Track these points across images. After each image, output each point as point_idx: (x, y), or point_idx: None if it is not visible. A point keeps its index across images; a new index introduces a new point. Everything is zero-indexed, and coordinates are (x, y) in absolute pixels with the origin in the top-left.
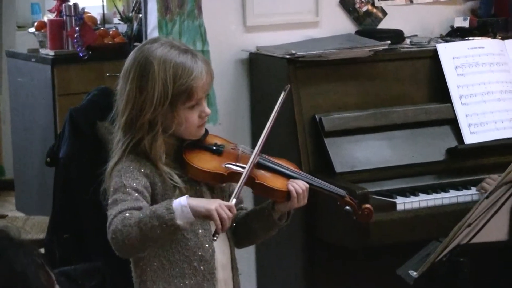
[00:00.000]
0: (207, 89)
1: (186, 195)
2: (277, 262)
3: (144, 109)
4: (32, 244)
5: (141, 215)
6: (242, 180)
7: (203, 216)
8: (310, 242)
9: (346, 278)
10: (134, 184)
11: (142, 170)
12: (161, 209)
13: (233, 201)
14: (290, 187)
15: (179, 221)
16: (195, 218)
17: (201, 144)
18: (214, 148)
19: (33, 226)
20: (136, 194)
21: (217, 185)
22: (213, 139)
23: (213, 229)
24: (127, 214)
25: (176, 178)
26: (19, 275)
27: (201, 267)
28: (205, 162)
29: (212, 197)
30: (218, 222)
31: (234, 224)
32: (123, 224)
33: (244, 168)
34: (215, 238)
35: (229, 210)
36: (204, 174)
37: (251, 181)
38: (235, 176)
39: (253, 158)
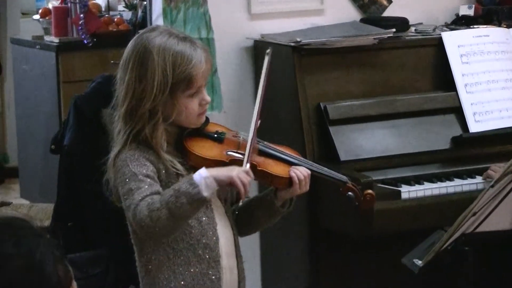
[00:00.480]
0: (206, 77)
1: (203, 167)
2: (280, 250)
3: (144, 98)
4: (53, 239)
5: (166, 196)
6: (251, 143)
7: (226, 184)
8: (313, 230)
9: (349, 266)
10: (144, 171)
11: (147, 157)
12: (184, 186)
13: (247, 165)
14: (292, 174)
15: (205, 193)
16: (218, 187)
17: (202, 132)
18: (215, 135)
19: (37, 214)
20: (149, 180)
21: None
22: (214, 127)
23: (216, 216)
24: (149, 200)
25: (179, 166)
26: (37, 263)
27: (206, 255)
28: (206, 150)
29: None
30: (241, 187)
31: (237, 212)
32: (150, 210)
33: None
34: (240, 203)
35: (247, 174)
36: (205, 161)
37: (253, 168)
38: (236, 163)
39: (254, 125)
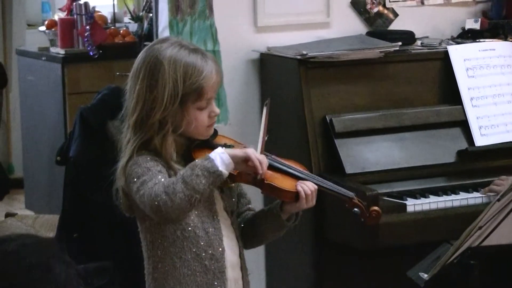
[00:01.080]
0: (216, 89)
1: (219, 147)
2: (286, 263)
3: (154, 109)
4: (76, 266)
5: (181, 172)
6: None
7: (241, 160)
8: (318, 243)
9: (355, 279)
10: (158, 168)
11: (159, 161)
12: (200, 161)
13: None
14: (299, 188)
15: (221, 168)
16: (234, 164)
17: (210, 144)
18: (223, 148)
19: (42, 225)
20: (163, 175)
21: (226, 185)
22: (222, 139)
23: (222, 227)
24: (164, 180)
25: None
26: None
27: (212, 266)
28: None
29: (221, 197)
30: (257, 161)
31: (242, 225)
32: (166, 186)
33: None
34: (258, 177)
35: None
36: None
37: (260, 181)
38: (244, 175)
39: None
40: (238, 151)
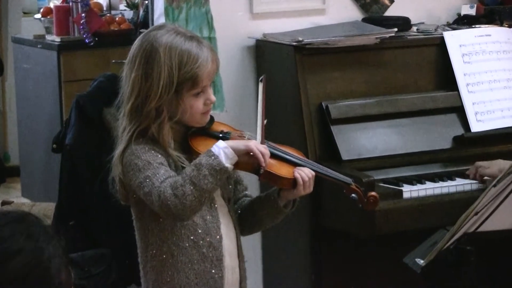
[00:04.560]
0: (212, 77)
1: (220, 140)
2: (283, 250)
3: (150, 96)
4: (63, 242)
5: (187, 172)
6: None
7: (244, 153)
8: (315, 229)
9: (351, 266)
10: (158, 160)
11: (157, 150)
12: (204, 159)
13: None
14: (297, 175)
15: (226, 163)
16: (237, 157)
17: (207, 131)
18: (221, 135)
19: (38, 213)
20: (164, 167)
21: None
22: (219, 126)
23: (220, 215)
24: (170, 180)
25: (187, 162)
26: (44, 262)
27: (209, 253)
28: None
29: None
30: (260, 154)
31: (239, 211)
32: (174, 188)
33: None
34: (261, 171)
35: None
36: None
37: (257, 168)
38: (243, 164)
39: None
40: (240, 144)
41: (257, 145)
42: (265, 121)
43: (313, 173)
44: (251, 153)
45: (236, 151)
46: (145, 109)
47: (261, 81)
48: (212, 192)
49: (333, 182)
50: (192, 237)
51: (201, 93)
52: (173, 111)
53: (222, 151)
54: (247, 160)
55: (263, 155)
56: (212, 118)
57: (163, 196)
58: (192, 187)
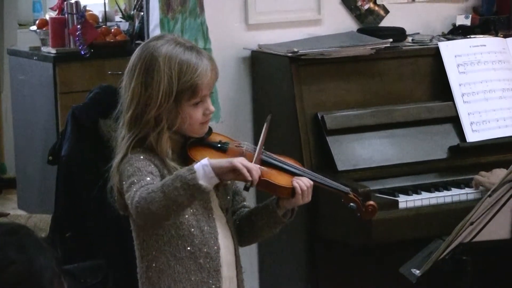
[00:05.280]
0: (211, 86)
1: (207, 157)
2: (279, 260)
3: (149, 105)
4: (55, 253)
5: (163, 180)
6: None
7: (228, 170)
8: (312, 239)
9: (348, 276)
10: (149, 169)
11: (152, 160)
12: (182, 171)
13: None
14: (295, 184)
15: (201, 181)
16: (218, 177)
17: (205, 142)
18: (219, 145)
19: (35, 225)
20: (152, 176)
21: (220, 183)
22: (217, 137)
23: (218, 225)
24: (149, 186)
25: None
26: (35, 273)
27: (207, 264)
28: None
29: (216, 195)
30: (245, 170)
31: (238, 222)
32: (147, 192)
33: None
34: (248, 185)
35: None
36: None
37: (245, 184)
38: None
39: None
40: (224, 162)
41: (243, 162)
42: (262, 150)
43: (311, 182)
44: (236, 171)
45: (219, 169)
46: (145, 118)
47: (267, 121)
48: (183, 206)
49: (331, 192)
50: (189, 248)
51: (200, 102)
52: (172, 121)
53: (202, 168)
54: (233, 177)
55: (249, 170)
56: (210, 129)
57: (136, 199)
58: (161, 195)
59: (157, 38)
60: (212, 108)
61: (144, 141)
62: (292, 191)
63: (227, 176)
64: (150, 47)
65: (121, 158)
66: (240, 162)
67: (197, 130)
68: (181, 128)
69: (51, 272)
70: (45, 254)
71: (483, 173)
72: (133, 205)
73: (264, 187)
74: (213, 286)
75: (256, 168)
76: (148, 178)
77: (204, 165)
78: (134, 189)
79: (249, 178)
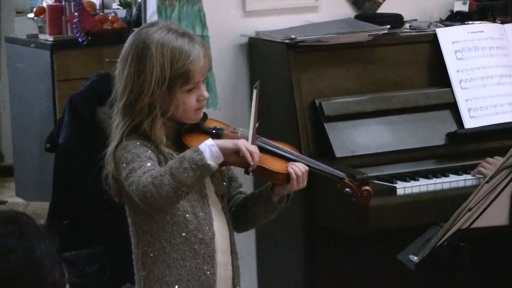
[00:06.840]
0: (204, 73)
1: (209, 138)
2: (276, 247)
3: (142, 93)
4: (56, 240)
5: (170, 163)
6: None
7: (232, 151)
8: (309, 226)
9: (345, 263)
10: (147, 154)
11: (148, 146)
12: (188, 153)
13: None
14: (290, 170)
15: (209, 161)
16: (224, 157)
17: (200, 128)
18: (214, 131)
19: (33, 212)
20: (152, 161)
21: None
22: (212, 123)
23: (213, 211)
24: (153, 171)
25: None
26: (36, 261)
27: (201, 250)
28: None
29: (212, 181)
30: (247, 153)
31: (234, 208)
32: (153, 177)
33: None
34: (250, 169)
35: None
36: None
37: (246, 167)
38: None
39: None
40: (228, 143)
41: (245, 144)
42: (256, 124)
43: (307, 168)
44: (240, 152)
45: (224, 149)
46: (138, 105)
47: (255, 87)
48: (192, 187)
49: (327, 177)
50: (184, 234)
51: (193, 89)
52: (165, 107)
53: (208, 148)
54: (235, 159)
55: (251, 154)
56: (205, 115)
57: (142, 184)
58: (170, 178)
59: (149, 25)
60: (206, 94)
61: (139, 128)
62: (287, 177)
63: (229, 158)
64: (142, 34)
65: (116, 145)
66: (243, 144)
67: (191, 116)
68: (175, 115)
69: (52, 259)
70: (46, 241)
71: (486, 165)
72: (139, 191)
73: (258, 173)
74: (208, 272)
75: (257, 152)
76: (149, 164)
77: (210, 145)
78: (138, 175)
79: (251, 162)
